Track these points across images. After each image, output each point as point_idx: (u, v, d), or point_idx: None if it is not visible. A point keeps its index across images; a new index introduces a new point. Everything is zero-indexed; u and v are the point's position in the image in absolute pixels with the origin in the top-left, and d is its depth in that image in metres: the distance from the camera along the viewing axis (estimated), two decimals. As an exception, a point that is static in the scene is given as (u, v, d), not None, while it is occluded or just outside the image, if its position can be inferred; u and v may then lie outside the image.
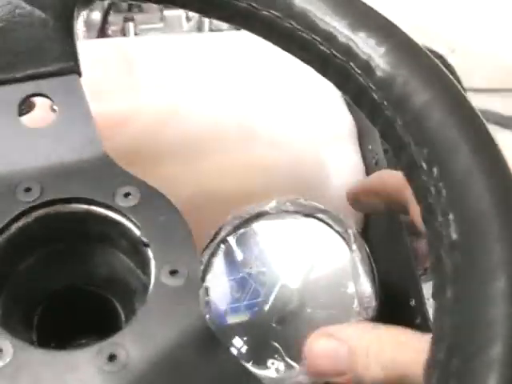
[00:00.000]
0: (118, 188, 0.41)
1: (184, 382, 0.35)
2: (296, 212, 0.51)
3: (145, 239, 0.40)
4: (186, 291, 0.38)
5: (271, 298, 0.49)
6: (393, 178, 0.50)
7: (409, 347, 0.39)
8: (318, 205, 0.51)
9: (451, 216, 0.34)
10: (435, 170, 0.36)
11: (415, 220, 0.46)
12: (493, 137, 0.37)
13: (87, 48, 0.68)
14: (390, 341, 0.40)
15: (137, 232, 0.40)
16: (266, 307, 0.49)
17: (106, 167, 0.42)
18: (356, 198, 0.54)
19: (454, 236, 0.34)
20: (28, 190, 0.41)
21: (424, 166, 0.36)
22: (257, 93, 0.68)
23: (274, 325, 0.48)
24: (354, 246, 0.49)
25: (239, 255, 0.50)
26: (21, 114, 0.45)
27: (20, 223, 0.41)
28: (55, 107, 0.45)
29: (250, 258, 0.50)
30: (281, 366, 0.48)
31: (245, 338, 0.48)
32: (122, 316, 0.44)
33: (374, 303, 0.49)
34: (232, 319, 0.49)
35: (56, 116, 0.45)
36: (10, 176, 0.42)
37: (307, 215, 0.51)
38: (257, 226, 0.51)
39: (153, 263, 0.39)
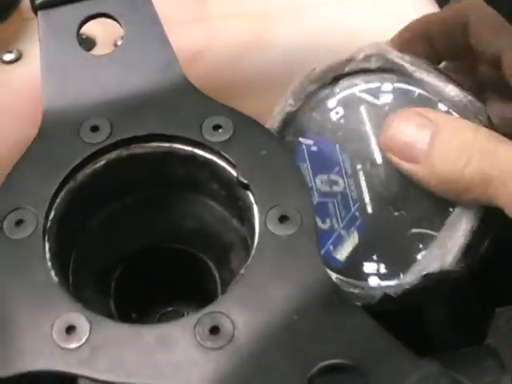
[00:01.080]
0: (205, 119, 0.33)
1: (309, 356, 0.27)
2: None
3: (243, 179, 0.31)
4: (300, 241, 0.29)
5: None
6: (481, 13, 0.42)
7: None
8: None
9: None
10: None
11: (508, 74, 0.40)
12: None
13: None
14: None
15: (232, 172, 0.32)
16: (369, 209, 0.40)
17: (187, 95, 0.34)
18: (425, 35, 0.45)
19: None
20: (95, 128, 0.34)
21: None
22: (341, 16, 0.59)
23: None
24: None
25: None
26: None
27: (87, 170, 0.34)
28: (121, 36, 0.37)
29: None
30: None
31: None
32: (217, 277, 0.36)
33: None
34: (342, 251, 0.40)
35: (124, 40, 0.37)
36: (73, 113, 0.34)
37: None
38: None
39: (255, 209, 0.31)
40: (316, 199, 0.39)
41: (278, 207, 0.31)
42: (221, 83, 0.55)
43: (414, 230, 0.39)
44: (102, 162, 0.34)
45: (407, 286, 0.38)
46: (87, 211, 0.35)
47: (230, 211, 0.35)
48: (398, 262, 0.39)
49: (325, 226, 0.39)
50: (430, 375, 0.25)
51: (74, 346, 0.27)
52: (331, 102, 0.41)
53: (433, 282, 0.38)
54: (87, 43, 0.56)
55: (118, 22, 0.37)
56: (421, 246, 0.38)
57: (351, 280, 0.38)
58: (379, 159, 0.40)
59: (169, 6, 0.59)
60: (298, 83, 0.42)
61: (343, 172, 0.40)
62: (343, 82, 0.42)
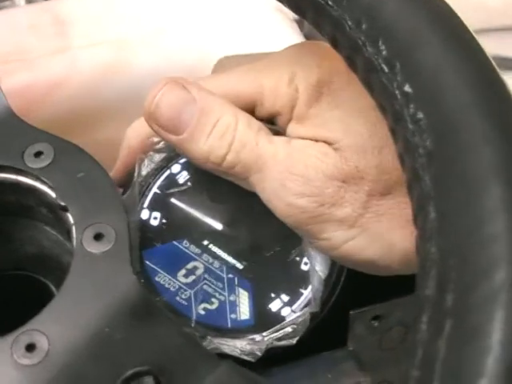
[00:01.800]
0: (27, 147, 0.35)
1: (119, 364, 0.28)
2: None
3: (61, 202, 0.33)
4: (114, 257, 0.31)
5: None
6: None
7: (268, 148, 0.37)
8: None
9: (423, 121, 0.28)
10: (397, 69, 0.29)
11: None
12: (465, 26, 0.30)
13: (18, 15, 0.62)
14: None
15: (53, 195, 0.34)
16: None
17: (11, 126, 0.36)
18: None
19: (430, 144, 0.27)
20: None
21: (384, 67, 0.29)
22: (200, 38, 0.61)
23: None
24: None
25: None
26: None
27: None
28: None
29: None
30: None
31: None
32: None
33: None
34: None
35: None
36: None
37: None
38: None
39: (74, 229, 0.32)
40: (192, 291, 0.40)
41: (94, 226, 0.32)
42: (82, 111, 0.56)
43: (289, 260, 0.41)
44: None
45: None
46: None
47: (61, 234, 0.36)
48: (291, 286, 0.41)
49: (215, 305, 0.40)
50: (226, 375, 0.27)
51: None
52: (144, 213, 0.41)
53: None
54: None
55: None
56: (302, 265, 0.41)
57: (275, 327, 0.40)
58: (218, 226, 0.41)
59: (30, 40, 0.60)
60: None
61: (195, 256, 0.40)
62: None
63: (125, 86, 0.58)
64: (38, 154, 0.34)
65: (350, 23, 0.30)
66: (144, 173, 0.40)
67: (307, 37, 0.65)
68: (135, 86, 0.58)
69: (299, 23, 0.65)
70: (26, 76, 0.58)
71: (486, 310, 0.23)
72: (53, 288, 0.38)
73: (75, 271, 0.31)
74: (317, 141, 0.37)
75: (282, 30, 0.64)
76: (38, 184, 0.34)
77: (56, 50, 0.60)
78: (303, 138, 0.38)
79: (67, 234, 0.35)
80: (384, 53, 0.29)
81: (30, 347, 0.29)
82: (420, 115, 0.27)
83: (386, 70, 0.29)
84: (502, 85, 0.28)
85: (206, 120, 0.37)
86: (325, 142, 0.37)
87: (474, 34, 0.30)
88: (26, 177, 0.34)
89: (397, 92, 0.28)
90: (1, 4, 0.79)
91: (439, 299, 0.24)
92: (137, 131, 0.42)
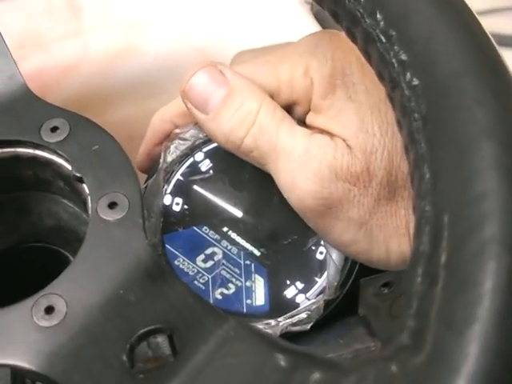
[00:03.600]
0: (43, 123, 0.36)
1: (133, 323, 0.30)
2: None
3: (77, 173, 0.34)
4: (127, 224, 0.32)
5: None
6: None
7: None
8: None
9: (419, 87, 0.29)
10: (394, 38, 0.30)
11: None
12: None
13: (33, 1, 0.63)
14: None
15: (69, 168, 0.35)
16: None
17: (28, 103, 0.37)
18: None
19: (425, 109, 0.28)
20: None
21: (381, 37, 0.31)
22: (213, 21, 0.62)
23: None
24: None
25: None
26: None
27: None
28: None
29: None
30: None
31: None
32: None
33: None
34: None
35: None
36: None
37: None
38: None
39: (89, 199, 0.34)
40: (210, 275, 0.42)
41: (108, 195, 0.33)
42: (95, 92, 0.58)
43: (305, 248, 0.42)
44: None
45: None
46: None
47: (78, 206, 0.37)
48: (306, 274, 0.42)
49: (232, 290, 0.42)
50: (233, 330, 0.29)
51: None
52: (167, 199, 0.43)
53: None
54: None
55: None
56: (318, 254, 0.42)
57: (290, 313, 0.41)
58: (237, 213, 0.42)
59: (44, 24, 0.62)
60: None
61: (214, 242, 0.42)
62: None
63: (137, 68, 0.60)
64: (54, 129, 0.36)
65: None
66: (169, 159, 0.42)
67: (316, 16, 0.66)
68: (147, 67, 0.60)
69: (310, 4, 0.66)
70: (41, 59, 0.60)
71: (477, 262, 0.25)
72: (71, 258, 0.39)
73: (91, 238, 0.32)
74: (333, 136, 0.38)
75: (299, 19, 0.65)
76: (54, 157, 0.36)
77: (70, 34, 0.62)
78: (320, 129, 0.39)
79: (83, 205, 0.36)
80: (381, 24, 0.30)
81: (49, 310, 0.31)
82: (416, 82, 0.29)
83: (384, 40, 0.30)
84: (493, 50, 0.29)
85: (230, 102, 0.39)
86: (340, 137, 0.38)
87: (466, 2, 0.31)
88: (43, 151, 0.36)
89: (393, 60, 0.30)
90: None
91: (433, 253, 0.26)
92: (162, 117, 0.43)
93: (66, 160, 0.35)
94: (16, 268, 0.40)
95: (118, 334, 0.30)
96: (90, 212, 0.34)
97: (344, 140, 0.38)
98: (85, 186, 0.35)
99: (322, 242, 0.42)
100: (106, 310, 0.30)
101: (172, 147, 0.42)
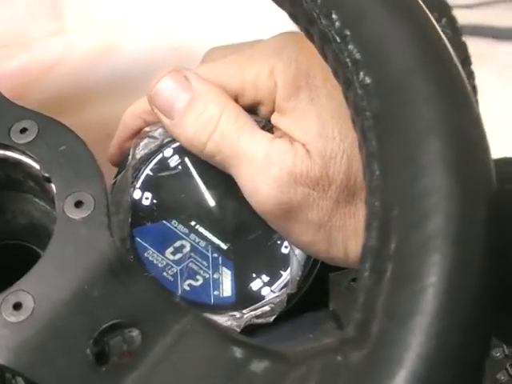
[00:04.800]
0: (13, 125, 0.37)
1: (97, 318, 0.31)
2: None
3: (45, 174, 0.35)
4: (93, 222, 0.33)
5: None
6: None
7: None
8: None
9: (370, 86, 0.30)
10: (348, 38, 0.31)
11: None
12: None
13: (17, 1, 0.64)
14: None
15: (38, 168, 0.36)
16: None
17: (-1, 105, 0.38)
18: None
19: (376, 107, 0.29)
20: None
21: (336, 37, 0.31)
22: (190, 20, 0.63)
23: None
24: None
25: None
26: None
27: None
28: None
29: None
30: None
31: None
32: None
33: None
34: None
35: None
36: None
37: None
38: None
39: (56, 198, 0.35)
40: (178, 267, 0.43)
41: (75, 194, 0.34)
42: (76, 90, 0.59)
43: (270, 243, 0.44)
44: None
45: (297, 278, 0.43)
46: None
47: (49, 204, 0.38)
48: (271, 267, 0.44)
49: (200, 282, 0.43)
50: (191, 323, 0.30)
51: None
52: (137, 193, 0.44)
53: None
54: None
55: None
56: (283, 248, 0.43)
57: (254, 306, 0.43)
58: (205, 208, 0.43)
59: (28, 24, 0.63)
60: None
61: (182, 236, 0.43)
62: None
63: (117, 67, 0.61)
64: (23, 131, 0.37)
65: None
66: (138, 156, 0.43)
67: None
68: (127, 66, 0.61)
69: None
70: (23, 58, 0.61)
71: (421, 256, 0.26)
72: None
73: (58, 236, 0.34)
74: (294, 141, 0.39)
75: (275, 17, 0.65)
76: (24, 158, 0.37)
77: (52, 33, 0.62)
78: (283, 132, 0.40)
79: (53, 204, 0.37)
80: (336, 24, 0.31)
81: (17, 306, 0.32)
82: (368, 81, 0.30)
83: (338, 40, 0.31)
84: (443, 47, 0.30)
85: (193, 107, 0.40)
86: (300, 142, 0.39)
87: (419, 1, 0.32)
88: (13, 152, 0.37)
89: (347, 60, 0.31)
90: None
91: (380, 248, 0.27)
92: (133, 113, 0.45)
93: (35, 160, 0.36)
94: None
95: (81, 328, 0.31)
96: (57, 210, 0.35)
97: (304, 145, 0.39)
98: (52, 185, 0.35)
99: None
100: (71, 305, 0.31)
101: (141, 144, 0.43)
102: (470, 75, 1.20)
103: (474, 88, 1.22)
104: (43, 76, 0.59)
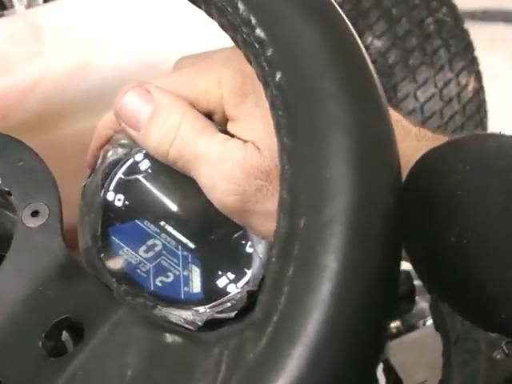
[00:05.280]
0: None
1: (49, 314, 0.35)
2: None
3: (6, 188, 0.39)
4: (47, 229, 0.37)
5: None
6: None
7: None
8: None
9: (284, 86, 0.33)
10: (265, 43, 0.34)
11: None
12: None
13: (-2, 26, 0.68)
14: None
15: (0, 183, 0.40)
16: None
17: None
18: None
19: (289, 104, 0.33)
20: None
21: (255, 43, 0.35)
22: (166, 38, 0.67)
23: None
24: None
25: None
26: None
27: None
28: None
29: None
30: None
31: None
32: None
33: None
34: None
35: None
36: None
37: None
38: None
39: (16, 209, 0.39)
40: (151, 265, 0.47)
41: (31, 205, 0.38)
42: (55, 107, 0.63)
43: (234, 242, 0.47)
44: None
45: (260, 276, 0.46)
46: None
47: (16, 215, 0.42)
48: (236, 265, 0.47)
49: (171, 278, 0.46)
50: (125, 315, 0.34)
51: None
52: (110, 195, 0.47)
53: None
54: None
55: None
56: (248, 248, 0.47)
57: (218, 301, 0.46)
58: (173, 209, 0.47)
59: (9, 47, 0.67)
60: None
61: (154, 235, 0.47)
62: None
63: (93, 84, 0.64)
64: (-15, 150, 0.41)
65: (228, 9, 0.36)
66: (107, 162, 0.47)
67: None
68: (103, 83, 0.64)
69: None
70: (4, 81, 0.65)
71: (321, 240, 0.29)
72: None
73: (16, 243, 0.38)
74: (246, 141, 0.43)
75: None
76: (-12, 175, 0.41)
77: (32, 55, 0.66)
78: (236, 136, 0.43)
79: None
80: (255, 31, 0.35)
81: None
82: (282, 81, 0.33)
83: (257, 46, 0.34)
84: (355, 46, 0.33)
85: (156, 118, 0.44)
86: (250, 141, 0.43)
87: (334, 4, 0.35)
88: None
89: (264, 64, 0.34)
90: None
91: (286, 235, 0.30)
92: (104, 123, 0.49)
93: (-1, 177, 0.40)
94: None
95: (35, 323, 0.35)
96: (16, 220, 0.39)
97: (253, 143, 0.42)
98: (13, 197, 0.40)
99: (249, 237, 0.47)
100: (27, 303, 0.35)
101: (111, 151, 0.47)
102: (473, 61, 1.22)
103: (477, 73, 1.23)
104: (24, 97, 0.63)
